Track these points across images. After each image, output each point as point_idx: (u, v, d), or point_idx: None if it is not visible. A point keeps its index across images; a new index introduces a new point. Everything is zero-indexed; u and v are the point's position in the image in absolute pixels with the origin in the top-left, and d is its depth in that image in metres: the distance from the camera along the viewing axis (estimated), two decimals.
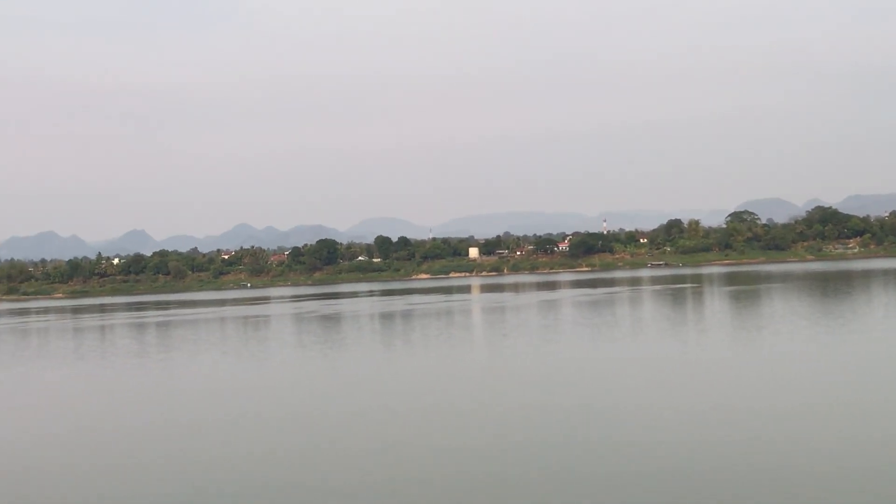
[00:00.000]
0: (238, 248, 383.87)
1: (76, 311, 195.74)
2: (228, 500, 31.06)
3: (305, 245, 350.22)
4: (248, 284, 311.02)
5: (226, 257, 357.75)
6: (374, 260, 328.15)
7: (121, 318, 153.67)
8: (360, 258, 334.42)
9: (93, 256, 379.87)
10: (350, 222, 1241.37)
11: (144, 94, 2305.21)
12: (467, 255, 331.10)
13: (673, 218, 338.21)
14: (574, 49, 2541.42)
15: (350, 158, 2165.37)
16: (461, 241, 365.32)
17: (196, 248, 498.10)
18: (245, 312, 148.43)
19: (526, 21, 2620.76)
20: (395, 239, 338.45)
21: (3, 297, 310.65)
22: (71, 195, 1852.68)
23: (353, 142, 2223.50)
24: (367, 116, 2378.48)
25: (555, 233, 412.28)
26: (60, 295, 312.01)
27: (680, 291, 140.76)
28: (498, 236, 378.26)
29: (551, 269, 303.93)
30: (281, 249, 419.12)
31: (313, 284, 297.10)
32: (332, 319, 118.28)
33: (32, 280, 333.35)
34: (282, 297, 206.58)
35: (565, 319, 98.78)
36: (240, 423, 44.79)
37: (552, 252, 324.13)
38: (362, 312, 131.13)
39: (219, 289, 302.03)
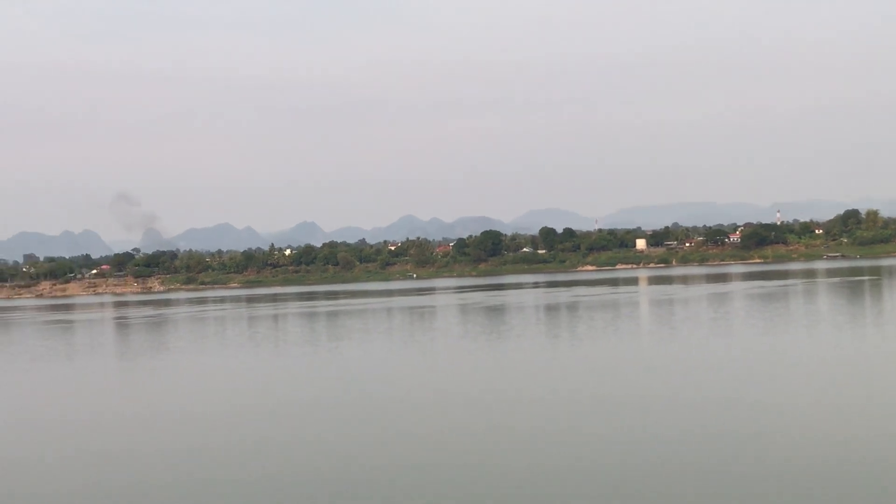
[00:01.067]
0: (404, 240, 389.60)
1: (250, 300, 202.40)
2: (401, 473, 31.37)
3: (470, 236, 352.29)
4: (414, 275, 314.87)
5: (392, 248, 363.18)
6: (539, 251, 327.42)
7: (292, 307, 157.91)
8: (524, 250, 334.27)
9: (266, 247, 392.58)
10: (514, 213, 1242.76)
11: (317, 89, 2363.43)
12: (634, 246, 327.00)
13: (850, 208, 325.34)
14: (751, 33, 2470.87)
15: (514, 148, 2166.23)
16: (628, 232, 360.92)
17: (364, 239, 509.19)
18: (411, 303, 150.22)
19: (705, 5, 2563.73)
20: (560, 230, 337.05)
21: (182, 287, 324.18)
22: (246, 188, 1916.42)
23: (516, 131, 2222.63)
24: (541, 104, 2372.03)
25: (725, 224, 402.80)
26: (235, 285, 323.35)
27: (857, 284, 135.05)
28: (666, 227, 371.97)
29: (721, 260, 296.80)
30: (446, 241, 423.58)
31: (478, 276, 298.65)
32: (497, 310, 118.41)
33: (210, 270, 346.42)
34: (447, 288, 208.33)
35: (736, 312, 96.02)
36: (409, 405, 45.30)
37: (723, 243, 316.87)
38: (527, 304, 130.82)
39: (385, 279, 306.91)
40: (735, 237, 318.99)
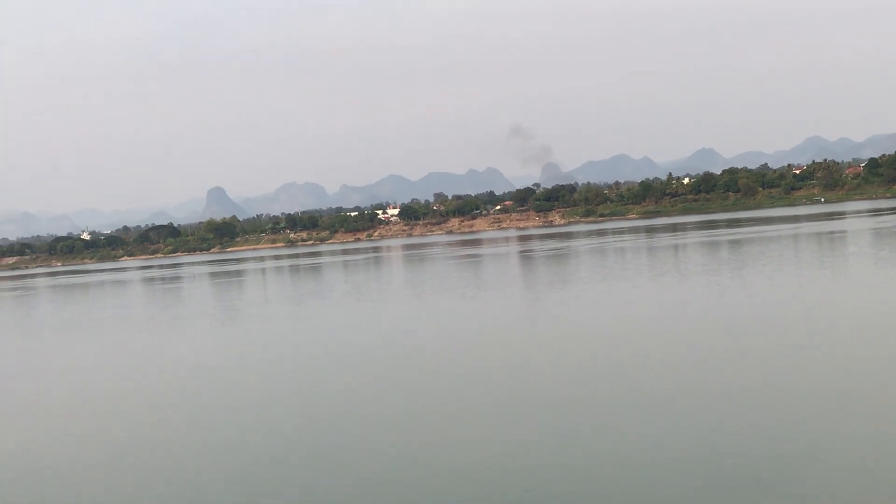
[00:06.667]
0: (810, 162, 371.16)
1: (649, 230, 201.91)
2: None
3: (883, 156, 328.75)
4: (822, 199, 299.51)
5: (797, 172, 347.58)
6: None
7: (693, 236, 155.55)
8: None
9: (663, 177, 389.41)
10: None
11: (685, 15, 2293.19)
12: None
13: None
14: None
15: None
16: None
17: (766, 163, 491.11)
18: (819, 228, 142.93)
19: None
20: None
21: (582, 220, 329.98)
22: (643, 118, 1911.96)
23: None
24: None
25: None
26: (634, 215, 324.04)
27: None
28: None
29: None
30: (856, 161, 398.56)
31: (893, 197, 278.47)
32: None
33: (608, 202, 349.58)
34: (859, 212, 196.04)
35: None
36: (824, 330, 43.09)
37: None
38: None
39: (790, 205, 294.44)
40: None
